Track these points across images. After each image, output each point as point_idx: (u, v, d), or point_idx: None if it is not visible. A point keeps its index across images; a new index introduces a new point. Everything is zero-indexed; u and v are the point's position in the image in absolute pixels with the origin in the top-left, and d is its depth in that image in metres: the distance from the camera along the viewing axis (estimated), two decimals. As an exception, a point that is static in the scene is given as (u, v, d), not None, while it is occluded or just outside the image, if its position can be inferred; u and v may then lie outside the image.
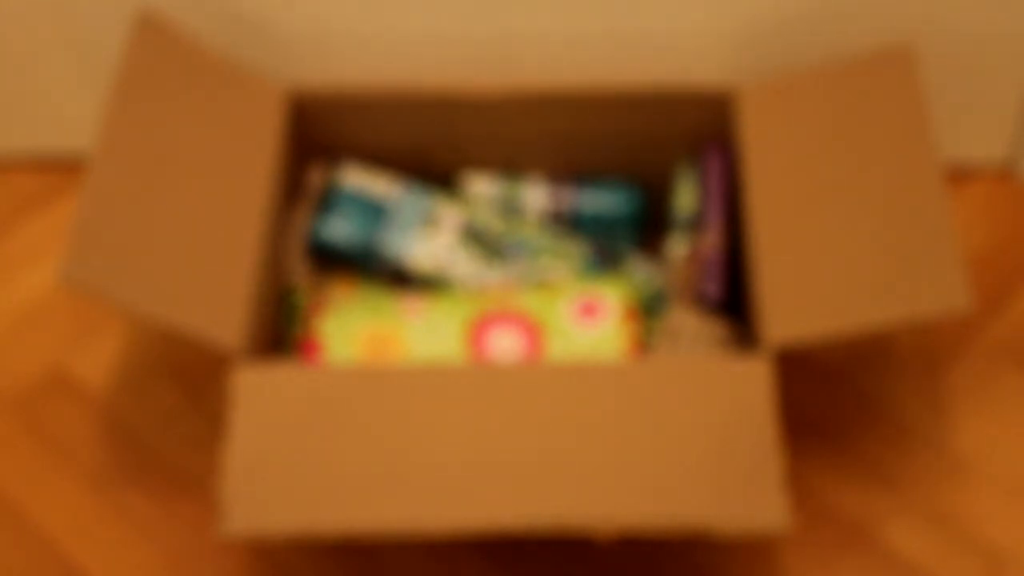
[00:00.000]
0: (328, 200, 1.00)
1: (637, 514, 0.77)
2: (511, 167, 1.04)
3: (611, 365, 0.83)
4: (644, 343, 0.92)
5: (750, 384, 0.81)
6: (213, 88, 0.95)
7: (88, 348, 1.04)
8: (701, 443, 0.79)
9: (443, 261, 0.98)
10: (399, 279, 0.99)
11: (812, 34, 1.01)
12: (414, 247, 0.99)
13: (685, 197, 0.99)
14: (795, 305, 0.84)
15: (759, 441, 0.79)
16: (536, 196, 1.03)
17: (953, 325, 1.03)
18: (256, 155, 0.94)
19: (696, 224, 0.97)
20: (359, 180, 1.01)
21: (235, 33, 1.02)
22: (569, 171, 1.05)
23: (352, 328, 0.91)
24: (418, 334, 0.90)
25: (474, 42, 1.03)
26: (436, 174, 1.05)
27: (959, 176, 1.12)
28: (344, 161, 1.04)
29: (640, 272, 1.00)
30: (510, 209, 1.03)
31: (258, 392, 0.82)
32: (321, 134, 1.02)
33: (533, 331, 0.90)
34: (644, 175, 1.04)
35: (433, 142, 1.03)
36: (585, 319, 0.90)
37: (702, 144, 1.01)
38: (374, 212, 1.00)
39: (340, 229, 0.99)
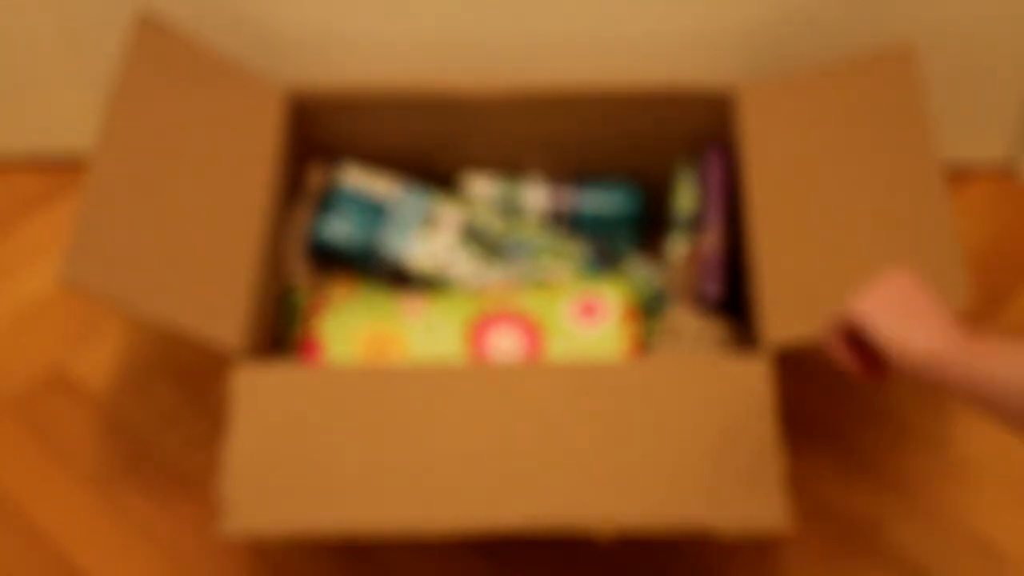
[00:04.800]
0: (328, 200, 1.00)
1: (637, 514, 0.77)
2: (511, 167, 1.04)
3: (611, 365, 0.83)
4: (644, 343, 0.92)
5: (750, 384, 0.81)
6: (213, 88, 0.95)
7: (88, 348, 1.04)
8: (701, 443, 0.79)
9: (443, 261, 0.98)
10: (399, 279, 0.99)
11: (812, 34, 1.01)
12: (414, 247, 0.99)
13: (685, 197, 0.99)
14: (795, 305, 0.84)
15: (759, 441, 0.79)
16: (536, 196, 1.03)
17: (953, 325, 1.03)
18: (256, 155, 0.94)
19: (696, 224, 0.97)
20: (359, 180, 1.01)
21: (235, 34, 1.02)
22: (569, 171, 1.05)
23: (352, 328, 0.91)
24: (418, 334, 0.90)
25: (474, 43, 1.03)
26: (436, 174, 1.05)
27: (959, 176, 1.12)
28: (344, 161, 1.04)
29: (640, 272, 1.00)
30: (510, 209, 1.03)
31: (258, 392, 0.82)
32: (321, 134, 1.02)
33: (533, 331, 0.90)
34: (644, 175, 1.04)
35: (433, 142, 1.03)
36: (585, 319, 0.90)
37: (702, 144, 1.01)
38: (374, 212, 1.00)
39: (340, 229, 0.99)
